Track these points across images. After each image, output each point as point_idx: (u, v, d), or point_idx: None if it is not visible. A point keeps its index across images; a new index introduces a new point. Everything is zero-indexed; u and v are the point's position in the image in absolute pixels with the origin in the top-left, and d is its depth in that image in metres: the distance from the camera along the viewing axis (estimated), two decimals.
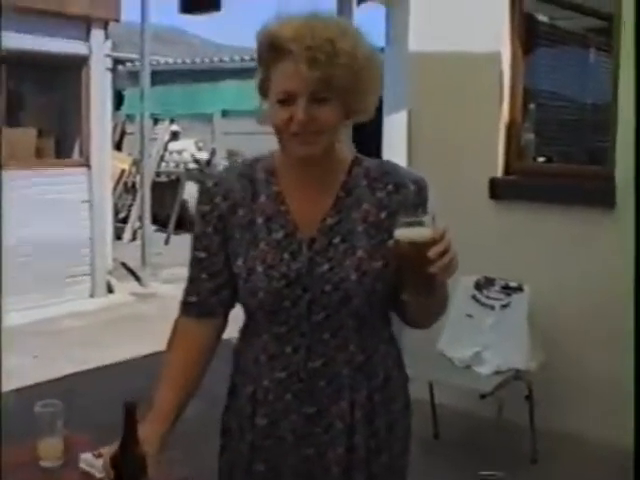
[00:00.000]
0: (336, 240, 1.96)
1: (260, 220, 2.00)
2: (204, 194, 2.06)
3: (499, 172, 5.50)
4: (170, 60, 17.64)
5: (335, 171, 2.00)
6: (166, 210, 14.08)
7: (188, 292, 2.12)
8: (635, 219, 4.70)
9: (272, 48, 1.85)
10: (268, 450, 2.05)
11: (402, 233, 1.74)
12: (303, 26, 1.82)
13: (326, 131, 1.88)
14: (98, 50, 9.61)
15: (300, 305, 1.96)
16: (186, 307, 2.12)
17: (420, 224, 1.75)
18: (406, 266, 1.79)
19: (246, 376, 2.08)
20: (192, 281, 2.11)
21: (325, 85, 1.82)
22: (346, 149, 2.06)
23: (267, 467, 2.05)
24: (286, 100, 1.85)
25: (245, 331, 2.11)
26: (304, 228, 1.98)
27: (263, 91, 1.95)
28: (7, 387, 5.95)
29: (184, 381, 2.08)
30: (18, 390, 6.00)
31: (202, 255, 2.07)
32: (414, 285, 1.82)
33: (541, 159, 5.96)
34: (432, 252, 1.70)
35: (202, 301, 2.09)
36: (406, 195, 1.97)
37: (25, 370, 6.60)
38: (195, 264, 2.09)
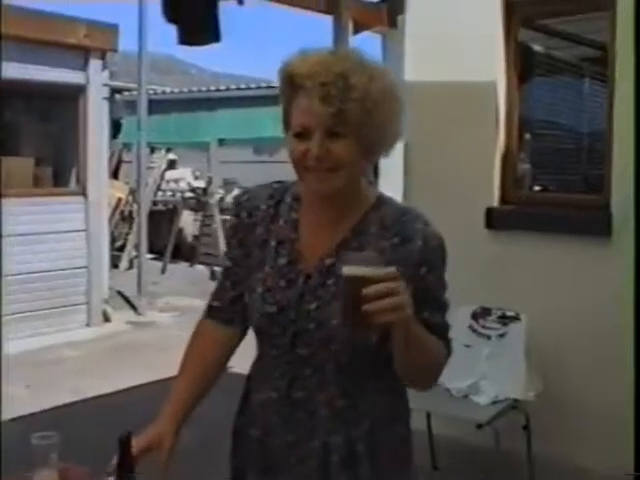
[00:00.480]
0: (330, 281, 1.95)
1: (273, 243, 2.05)
2: (235, 207, 2.15)
3: (495, 202, 5.50)
4: (167, 89, 17.69)
5: (351, 211, 1.99)
6: (163, 239, 14.09)
7: (213, 296, 2.21)
8: (635, 247, 4.71)
9: (289, 84, 1.90)
10: (267, 458, 2.08)
11: (348, 268, 1.72)
12: (318, 62, 1.86)
13: (341, 167, 1.88)
14: (95, 79, 9.64)
15: (286, 335, 1.99)
16: (209, 311, 2.21)
17: (368, 261, 1.72)
18: (345, 301, 1.75)
19: (252, 387, 2.14)
20: (218, 287, 2.20)
21: (339, 120, 1.84)
22: (371, 190, 2.05)
23: (274, 469, 2.07)
24: (302, 134, 1.88)
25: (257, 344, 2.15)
26: (307, 260, 2.00)
27: (285, 124, 1.97)
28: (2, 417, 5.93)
29: (197, 379, 2.16)
30: (13, 420, 5.97)
31: (228, 264, 2.16)
32: (352, 322, 1.76)
33: (537, 188, 5.97)
34: (368, 290, 1.66)
35: (223, 307, 2.17)
36: (410, 250, 1.92)
37: (20, 399, 6.57)
38: (223, 271, 2.19)
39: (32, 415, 6.12)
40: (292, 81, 1.88)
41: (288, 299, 1.98)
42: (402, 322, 1.73)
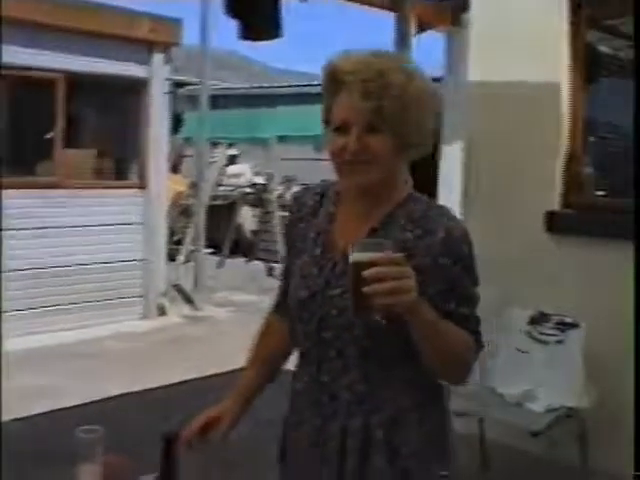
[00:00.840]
0: None
1: (312, 235, 2.17)
2: (290, 203, 2.33)
3: (557, 206, 5.40)
4: (229, 84, 17.77)
5: (383, 204, 2.08)
6: (221, 234, 14.13)
7: (277, 290, 2.36)
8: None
9: (332, 80, 2.02)
10: (301, 441, 2.19)
11: (354, 254, 1.79)
12: (360, 61, 1.98)
13: (376, 161, 1.98)
14: (158, 73, 9.70)
15: (313, 320, 2.09)
16: (273, 304, 2.38)
17: (376, 246, 1.79)
18: (349, 285, 1.83)
19: (295, 376, 2.24)
20: (280, 282, 2.36)
21: (377, 116, 1.95)
22: (404, 187, 2.13)
23: (306, 452, 2.17)
24: (341, 129, 1.99)
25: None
26: (338, 249, 2.09)
27: (326, 120, 2.08)
28: (52, 407, 6.00)
29: (260, 369, 2.35)
30: (65, 410, 6.01)
31: (283, 258, 2.35)
32: (354, 305, 1.82)
33: (600, 193, 5.85)
34: (367, 272, 1.74)
35: (279, 301, 2.33)
36: (432, 241, 1.99)
37: (70, 390, 6.62)
38: (282, 266, 2.36)
39: (81, 406, 6.15)
40: (335, 78, 2.01)
41: (317, 285, 2.08)
42: (404, 306, 1.79)
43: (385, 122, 1.95)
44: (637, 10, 4.71)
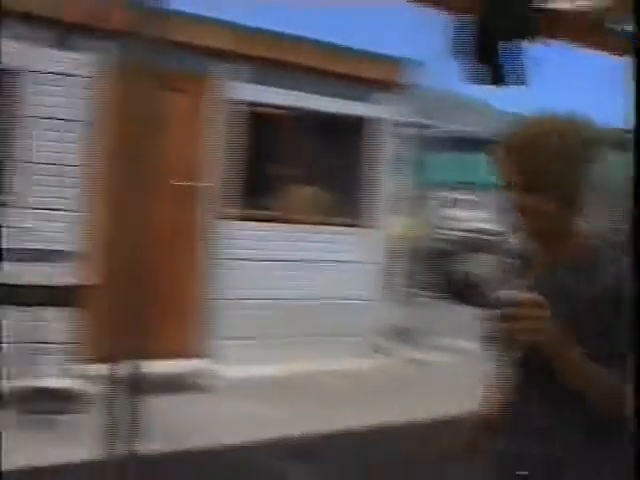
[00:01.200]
0: None
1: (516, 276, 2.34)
2: (509, 251, 2.49)
3: None
4: (463, 127, 17.71)
5: (551, 252, 2.23)
6: (444, 278, 14.01)
7: None
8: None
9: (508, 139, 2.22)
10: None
11: (501, 292, 2.02)
12: (530, 124, 2.20)
13: (537, 218, 2.18)
14: (383, 113, 9.74)
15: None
16: None
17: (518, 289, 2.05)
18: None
19: None
20: None
21: (536, 176, 2.14)
22: (572, 234, 2.23)
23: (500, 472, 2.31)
24: (508, 188, 2.21)
25: None
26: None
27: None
28: (261, 436, 6.04)
29: (486, 413, 2.49)
30: (271, 442, 6.03)
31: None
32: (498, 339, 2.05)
33: None
34: (504, 311, 1.97)
35: None
36: (595, 287, 2.08)
37: (281, 422, 6.68)
38: None
39: (289, 439, 6.14)
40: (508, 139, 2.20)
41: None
42: (539, 344, 1.96)
43: (544, 182, 2.14)
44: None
